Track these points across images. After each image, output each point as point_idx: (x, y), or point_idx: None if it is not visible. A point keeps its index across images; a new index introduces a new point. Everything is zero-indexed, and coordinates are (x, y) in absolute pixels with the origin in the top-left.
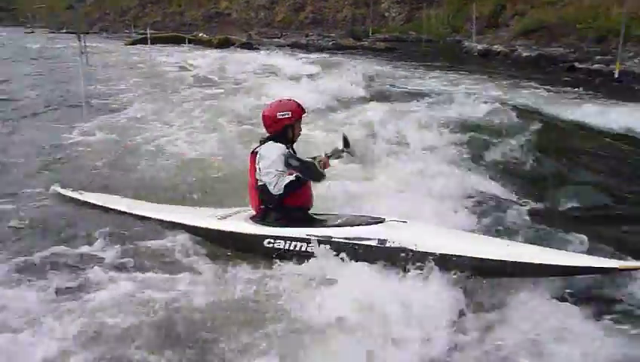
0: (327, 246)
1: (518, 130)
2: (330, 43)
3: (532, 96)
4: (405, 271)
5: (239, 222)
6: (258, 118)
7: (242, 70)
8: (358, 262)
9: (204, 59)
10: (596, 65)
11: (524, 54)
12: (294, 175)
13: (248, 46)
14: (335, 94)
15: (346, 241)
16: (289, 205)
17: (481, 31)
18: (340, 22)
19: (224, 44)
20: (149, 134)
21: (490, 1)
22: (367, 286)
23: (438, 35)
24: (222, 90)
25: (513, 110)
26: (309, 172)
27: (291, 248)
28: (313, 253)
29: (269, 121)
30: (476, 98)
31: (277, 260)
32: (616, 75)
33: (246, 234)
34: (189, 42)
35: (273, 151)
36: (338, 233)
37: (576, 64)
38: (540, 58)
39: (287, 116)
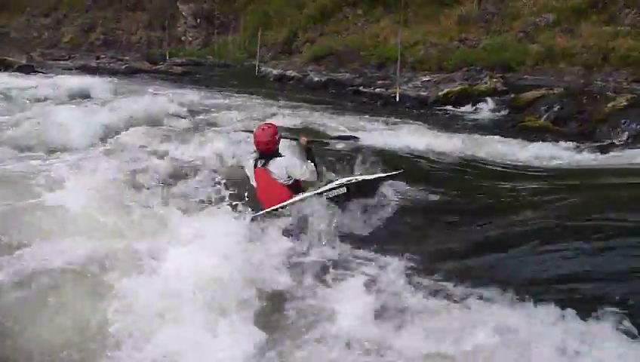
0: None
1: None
2: (124, 66)
3: (321, 117)
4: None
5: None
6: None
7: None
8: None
9: None
10: (378, 89)
11: (315, 79)
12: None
13: (28, 69)
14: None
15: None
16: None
17: (276, 57)
18: (135, 44)
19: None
20: None
21: (285, 29)
22: None
23: (235, 59)
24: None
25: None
26: None
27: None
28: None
29: (272, 143)
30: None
31: None
32: (397, 99)
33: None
34: None
35: (285, 160)
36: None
37: (362, 88)
38: (330, 82)
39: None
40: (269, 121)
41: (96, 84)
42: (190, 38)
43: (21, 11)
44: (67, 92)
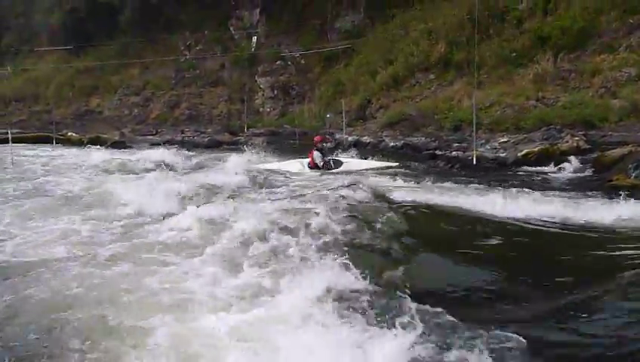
0: None
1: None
2: (207, 139)
3: (400, 181)
4: None
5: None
6: None
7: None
8: None
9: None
10: (455, 152)
11: (391, 144)
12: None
13: (120, 144)
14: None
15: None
16: None
17: (351, 123)
18: (216, 117)
19: (95, 142)
20: None
21: (358, 97)
22: None
23: (311, 127)
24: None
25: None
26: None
27: None
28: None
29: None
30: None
31: None
32: (474, 161)
33: None
34: (57, 142)
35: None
36: None
37: (437, 151)
38: (405, 147)
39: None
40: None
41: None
42: (268, 109)
43: (114, 91)
44: (152, 164)
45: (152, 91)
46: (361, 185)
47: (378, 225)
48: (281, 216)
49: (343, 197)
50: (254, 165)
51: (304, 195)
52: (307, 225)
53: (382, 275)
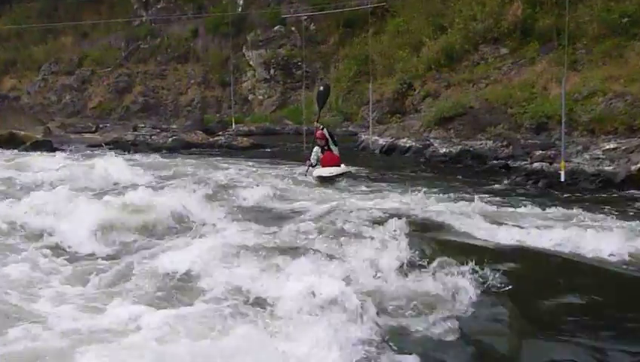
0: None
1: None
2: (171, 139)
3: (446, 210)
4: None
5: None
6: None
7: None
8: None
9: None
10: (536, 164)
11: (443, 150)
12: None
13: (45, 146)
14: None
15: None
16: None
17: (383, 119)
18: (184, 108)
19: (7, 142)
20: None
21: (394, 80)
22: None
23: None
24: None
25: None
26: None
27: None
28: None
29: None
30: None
31: None
32: (562, 178)
33: None
34: None
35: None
36: None
37: (510, 162)
38: (463, 155)
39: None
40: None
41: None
42: (261, 97)
43: (36, 68)
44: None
45: (91, 69)
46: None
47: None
48: None
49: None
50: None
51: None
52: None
53: None
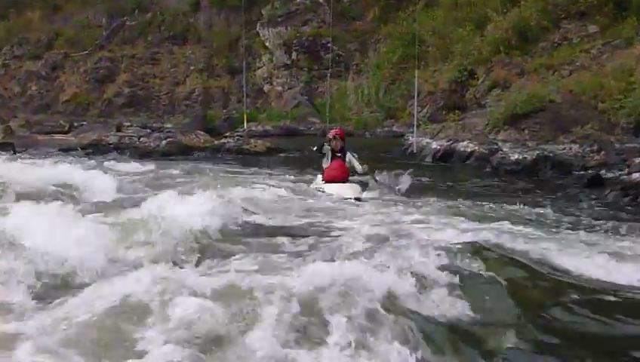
0: None
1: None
2: (164, 141)
3: (523, 237)
4: None
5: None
6: None
7: None
8: None
9: None
10: (637, 175)
11: (514, 156)
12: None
13: (6, 150)
14: None
15: None
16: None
17: (436, 116)
18: (182, 102)
19: None
20: None
21: (451, 66)
22: None
23: (360, 123)
24: None
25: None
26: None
27: None
28: None
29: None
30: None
31: None
32: None
33: None
34: None
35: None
36: None
37: (603, 172)
38: (541, 162)
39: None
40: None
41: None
42: (280, 87)
43: None
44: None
45: (64, 52)
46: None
47: None
48: None
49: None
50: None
51: None
52: None
53: None
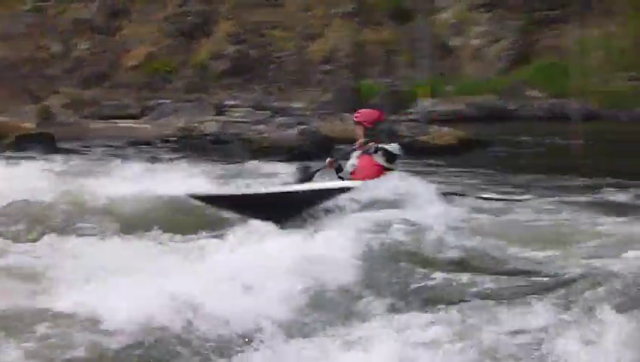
0: None
1: None
2: (295, 131)
3: None
4: None
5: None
6: None
7: None
8: None
9: None
10: None
11: None
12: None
13: (42, 144)
14: None
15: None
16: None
17: None
18: (318, 67)
19: None
20: None
21: None
22: None
23: (609, 97)
24: None
25: None
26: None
27: None
28: None
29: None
30: None
31: None
32: None
33: None
34: None
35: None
36: None
37: None
38: None
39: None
40: None
41: None
42: (475, 41)
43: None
44: None
45: None
46: None
47: None
48: None
49: None
50: None
51: None
52: None
53: None
